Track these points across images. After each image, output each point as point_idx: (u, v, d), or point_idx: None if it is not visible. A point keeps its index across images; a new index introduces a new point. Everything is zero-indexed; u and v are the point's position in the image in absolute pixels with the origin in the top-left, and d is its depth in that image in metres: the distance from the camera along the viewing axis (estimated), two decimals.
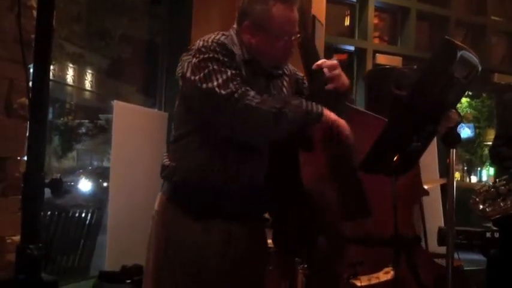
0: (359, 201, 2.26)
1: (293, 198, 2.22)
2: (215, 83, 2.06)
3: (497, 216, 3.47)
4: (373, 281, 2.22)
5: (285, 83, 2.38)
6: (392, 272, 2.23)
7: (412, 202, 2.48)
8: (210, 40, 2.18)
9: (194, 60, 2.15)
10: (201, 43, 2.18)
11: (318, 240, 2.24)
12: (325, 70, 2.28)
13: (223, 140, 2.16)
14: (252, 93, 2.08)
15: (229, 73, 2.09)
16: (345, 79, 2.33)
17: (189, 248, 2.16)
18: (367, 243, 2.25)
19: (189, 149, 2.20)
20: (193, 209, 2.18)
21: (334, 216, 2.26)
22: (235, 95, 2.04)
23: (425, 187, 4.52)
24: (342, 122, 2.16)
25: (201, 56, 2.13)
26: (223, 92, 2.04)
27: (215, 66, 2.09)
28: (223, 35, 2.24)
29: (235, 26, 2.30)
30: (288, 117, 2.07)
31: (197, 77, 2.11)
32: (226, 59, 2.13)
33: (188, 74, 2.16)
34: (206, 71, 2.09)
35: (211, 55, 2.12)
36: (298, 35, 2.28)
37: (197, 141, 2.19)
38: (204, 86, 2.07)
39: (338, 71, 2.30)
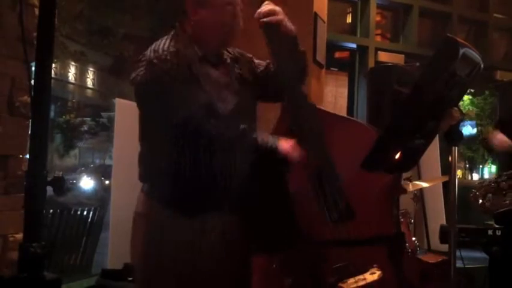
0: (341, 204, 2.26)
1: (273, 201, 2.22)
2: (169, 104, 2.08)
3: (497, 211, 3.47)
4: (361, 283, 2.21)
5: (240, 69, 2.37)
6: (378, 273, 2.23)
7: (391, 201, 2.50)
8: (160, 49, 2.14)
9: (147, 76, 2.13)
10: (152, 54, 2.14)
11: (297, 243, 2.23)
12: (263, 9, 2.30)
13: (196, 142, 2.17)
14: (208, 122, 2.11)
15: (182, 90, 2.09)
16: (290, 24, 2.35)
17: (184, 246, 2.14)
18: (350, 244, 2.24)
19: (170, 158, 2.18)
20: (184, 207, 2.16)
21: (315, 220, 2.26)
22: (192, 124, 2.08)
23: (427, 185, 4.55)
24: (294, 155, 2.18)
25: (153, 73, 2.12)
26: (179, 116, 2.07)
27: (168, 83, 2.09)
28: (171, 38, 2.21)
29: (177, 23, 2.28)
30: (242, 150, 2.14)
31: (152, 97, 2.12)
32: (176, 71, 2.10)
33: (142, 92, 2.18)
34: (159, 90, 2.09)
35: (163, 69, 2.10)
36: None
37: (171, 147, 2.17)
38: (158, 105, 2.10)
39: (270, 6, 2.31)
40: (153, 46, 2.19)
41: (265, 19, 2.29)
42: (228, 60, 2.34)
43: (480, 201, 3.47)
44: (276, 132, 2.33)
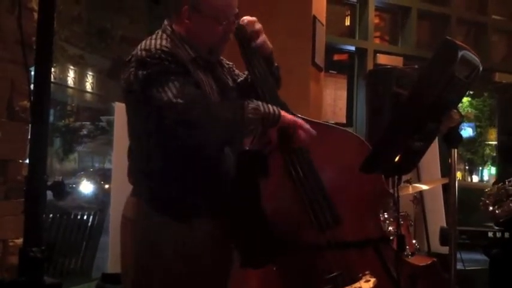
0: (327, 210, 2.28)
1: (253, 219, 2.21)
2: (170, 94, 1.99)
3: (507, 217, 3.46)
4: None
5: (228, 74, 2.37)
6: (373, 280, 2.23)
7: (377, 205, 2.53)
8: (153, 48, 2.08)
9: (140, 72, 2.07)
10: (144, 53, 2.09)
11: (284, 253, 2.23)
12: (245, 22, 2.33)
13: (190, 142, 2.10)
14: (208, 100, 2.08)
15: (180, 81, 2.03)
16: (268, 42, 2.39)
17: (178, 251, 2.12)
18: (338, 248, 2.25)
19: (157, 157, 2.15)
20: (177, 212, 2.13)
21: (301, 229, 2.26)
22: (192, 105, 2.00)
23: (427, 187, 4.54)
24: (299, 122, 2.18)
25: (148, 70, 2.06)
26: (180, 101, 1.98)
27: (164, 78, 2.02)
28: (161, 38, 2.16)
29: (166, 22, 2.24)
30: (247, 122, 2.07)
31: (149, 92, 2.04)
32: (173, 66, 2.06)
33: (138, 89, 2.09)
34: (157, 84, 2.02)
35: (157, 66, 2.05)
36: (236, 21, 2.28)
37: (162, 149, 2.13)
38: (159, 99, 2.01)
39: (259, 26, 2.35)
40: (142, 46, 2.13)
41: (250, 27, 2.33)
42: (217, 66, 2.33)
43: (490, 208, 3.46)
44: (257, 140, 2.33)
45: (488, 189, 3.56)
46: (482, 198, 3.47)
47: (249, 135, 2.21)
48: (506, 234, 3.51)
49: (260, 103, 2.13)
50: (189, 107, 1.99)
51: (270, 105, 2.13)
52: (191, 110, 2.00)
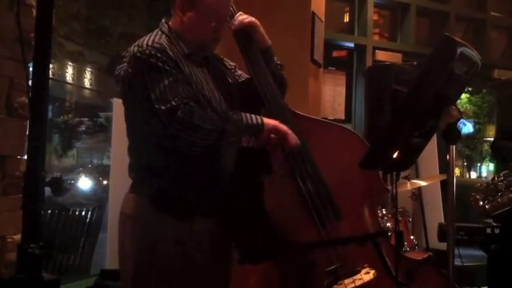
0: (329, 206, 2.29)
1: (254, 216, 2.22)
2: (153, 96, 2.01)
3: (496, 212, 3.48)
4: (358, 283, 2.22)
5: (224, 71, 2.38)
6: (373, 271, 2.24)
7: (375, 202, 2.57)
8: (145, 44, 2.11)
9: (130, 69, 2.12)
10: (136, 48, 2.12)
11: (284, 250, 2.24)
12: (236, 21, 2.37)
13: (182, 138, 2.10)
14: (194, 108, 2.04)
15: (166, 82, 2.03)
16: (266, 37, 2.43)
17: (178, 249, 2.13)
18: (338, 244, 2.26)
19: (157, 156, 2.16)
20: (177, 210, 2.14)
21: (303, 225, 2.28)
22: (177, 112, 2.00)
23: (426, 183, 4.55)
24: (282, 129, 2.17)
25: (136, 66, 2.09)
26: (162, 107, 2.00)
27: (152, 76, 2.05)
28: (156, 35, 2.19)
29: (163, 20, 2.28)
30: (229, 134, 2.09)
31: (134, 90, 2.09)
32: (161, 64, 2.07)
33: (126, 86, 2.14)
34: (143, 82, 2.05)
35: (146, 62, 2.07)
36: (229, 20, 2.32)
37: (161, 148, 2.13)
38: (142, 98, 2.05)
39: (248, 20, 2.39)
40: (136, 42, 2.17)
41: (243, 21, 2.36)
42: (215, 63, 2.34)
43: (480, 203, 3.48)
44: None
45: (478, 184, 3.58)
46: (473, 194, 3.48)
47: (233, 144, 2.20)
48: (496, 230, 3.52)
49: (243, 114, 2.13)
50: (170, 115, 2.00)
51: (253, 116, 2.14)
52: (172, 117, 2.00)
